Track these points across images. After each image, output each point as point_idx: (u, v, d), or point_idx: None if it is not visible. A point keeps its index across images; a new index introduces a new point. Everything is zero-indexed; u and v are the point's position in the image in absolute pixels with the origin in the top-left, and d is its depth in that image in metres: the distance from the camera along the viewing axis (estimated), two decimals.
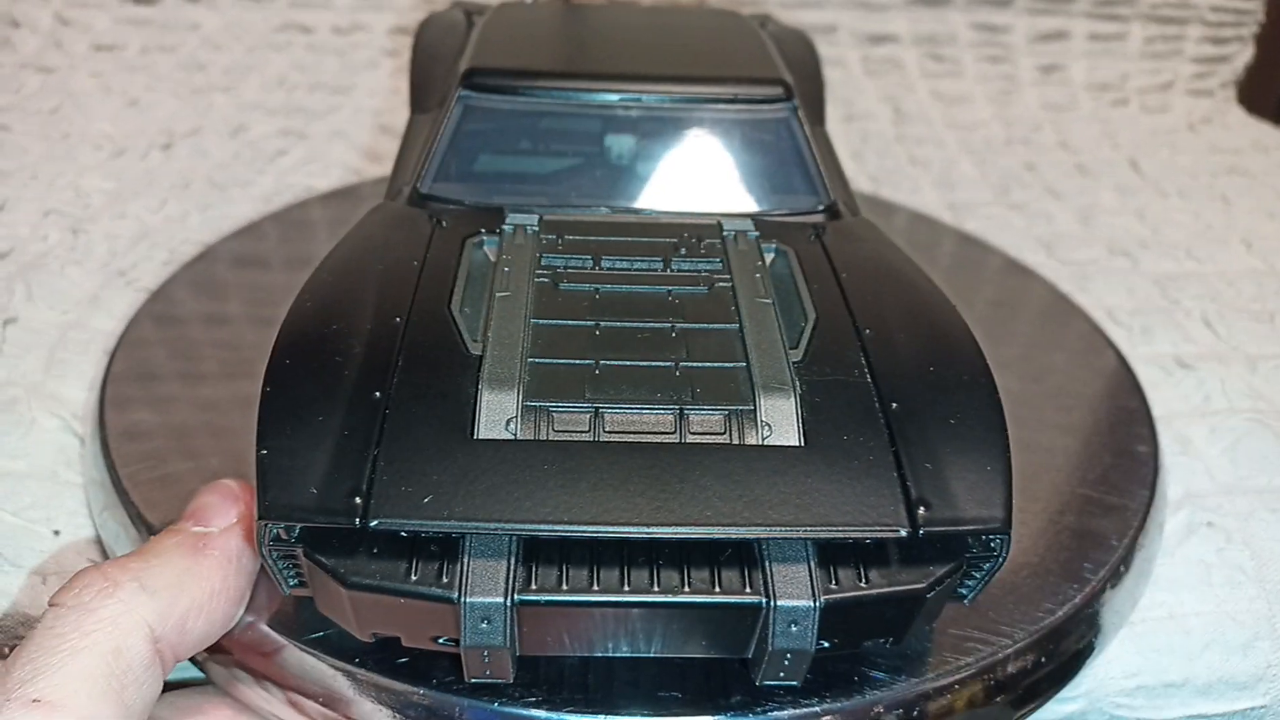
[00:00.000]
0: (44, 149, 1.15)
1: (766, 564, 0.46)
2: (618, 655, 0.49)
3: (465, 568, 0.45)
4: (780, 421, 0.49)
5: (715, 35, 0.82)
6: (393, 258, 0.59)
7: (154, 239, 0.98)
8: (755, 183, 0.70)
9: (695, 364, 0.52)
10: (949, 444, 0.48)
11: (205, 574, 0.49)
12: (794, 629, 0.45)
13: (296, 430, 0.47)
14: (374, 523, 0.44)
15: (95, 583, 0.46)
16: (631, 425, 0.49)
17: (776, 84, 0.71)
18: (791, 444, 0.48)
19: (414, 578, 0.46)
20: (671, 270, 0.60)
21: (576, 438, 0.48)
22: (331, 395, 0.49)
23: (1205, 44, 1.57)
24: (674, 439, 0.49)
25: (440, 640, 0.48)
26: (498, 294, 0.56)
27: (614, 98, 0.69)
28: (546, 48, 0.77)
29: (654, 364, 0.52)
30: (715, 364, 0.52)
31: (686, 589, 0.46)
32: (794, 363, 0.52)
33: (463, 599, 0.45)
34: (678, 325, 0.55)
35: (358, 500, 0.45)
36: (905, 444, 0.48)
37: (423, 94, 0.82)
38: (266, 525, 0.46)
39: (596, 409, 0.49)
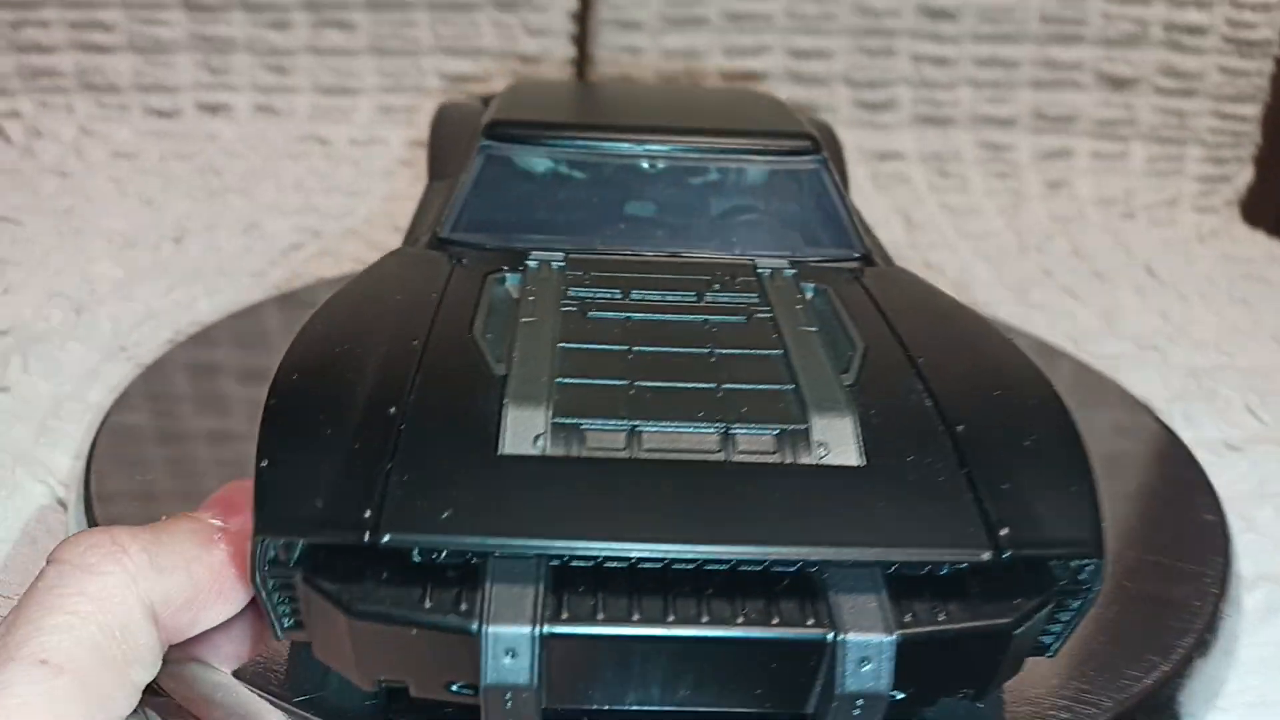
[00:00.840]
0: (54, 241, 1.14)
1: (830, 594, 0.40)
2: (656, 708, 0.42)
3: (487, 594, 0.39)
4: (837, 440, 0.44)
5: (740, 102, 0.82)
6: (410, 290, 0.56)
7: (159, 320, 0.96)
8: (788, 233, 0.68)
9: (739, 385, 0.47)
10: (1026, 464, 0.43)
11: (214, 565, 0.45)
12: (866, 668, 0.39)
13: (302, 443, 0.43)
14: (385, 539, 0.39)
15: (102, 544, 0.42)
16: (672, 444, 0.44)
17: (806, 138, 0.70)
18: (851, 463, 0.43)
19: (428, 605, 0.39)
20: (706, 301, 0.56)
21: (612, 455, 0.43)
22: (341, 409, 0.44)
23: (1206, 164, 1.60)
24: (720, 458, 0.43)
25: (455, 688, 0.41)
26: (522, 319, 0.53)
27: (641, 149, 0.68)
28: (570, 107, 0.77)
29: (694, 385, 0.47)
30: (761, 385, 0.48)
31: (739, 621, 0.39)
32: (846, 385, 0.48)
33: (484, 628, 0.38)
34: (716, 351, 0.51)
35: (368, 514, 0.39)
36: (977, 465, 0.43)
37: (440, 164, 0.82)
38: (263, 543, 0.40)
39: (633, 427, 0.44)
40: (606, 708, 0.42)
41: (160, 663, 0.44)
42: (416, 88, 1.55)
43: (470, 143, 0.71)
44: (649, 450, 0.43)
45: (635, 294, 0.57)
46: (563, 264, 0.60)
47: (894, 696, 0.40)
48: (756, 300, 0.57)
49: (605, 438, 0.44)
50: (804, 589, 0.41)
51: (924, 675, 0.41)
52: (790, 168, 0.69)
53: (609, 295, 0.56)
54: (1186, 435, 0.88)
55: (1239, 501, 0.79)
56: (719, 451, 0.44)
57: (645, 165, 0.69)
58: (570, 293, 0.56)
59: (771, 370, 0.49)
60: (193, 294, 1.02)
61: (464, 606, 0.39)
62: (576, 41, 1.59)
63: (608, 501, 0.40)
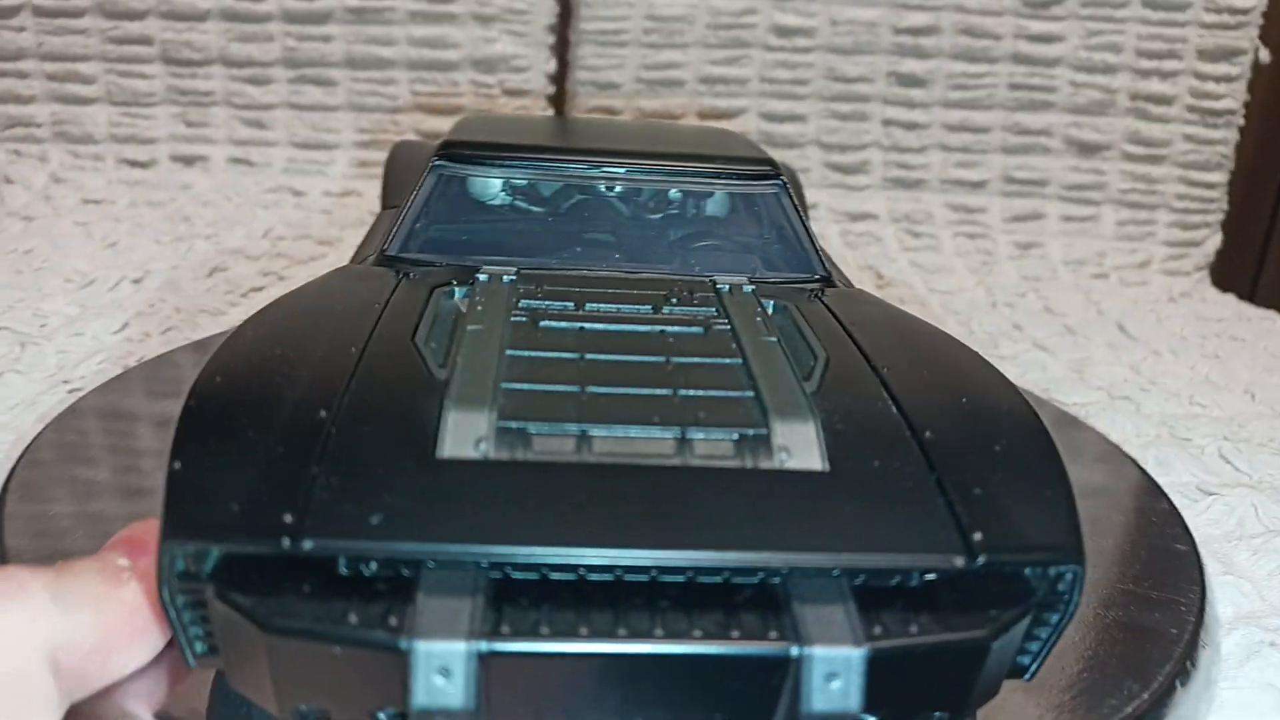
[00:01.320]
0: (11, 279, 1.12)
1: (795, 606, 0.37)
2: None
3: (419, 606, 0.36)
4: (800, 445, 0.41)
5: (699, 133, 0.82)
6: (351, 300, 0.54)
7: (108, 354, 0.93)
8: (747, 256, 0.67)
9: (696, 392, 0.45)
10: (998, 469, 0.41)
11: (124, 605, 0.40)
12: (834, 685, 0.36)
13: (220, 445, 0.39)
14: (307, 545, 0.36)
15: None
16: (625, 449, 0.41)
17: (765, 163, 0.70)
18: (815, 468, 0.40)
19: (352, 619, 0.36)
20: (663, 314, 0.54)
21: (559, 460, 0.40)
22: (267, 411, 0.41)
23: (1175, 229, 1.62)
24: (676, 463, 0.41)
25: (383, 716, 0.37)
26: (469, 327, 0.50)
27: (596, 170, 0.67)
28: (525, 133, 0.76)
29: (649, 391, 0.45)
30: (719, 391, 0.45)
31: (696, 636, 0.36)
32: (808, 393, 0.46)
33: (414, 643, 0.35)
34: (673, 360, 0.48)
35: (289, 519, 0.36)
36: (946, 470, 0.40)
37: (392, 195, 0.81)
38: (172, 551, 0.37)
39: (583, 430, 0.41)
40: None
41: (62, 716, 0.39)
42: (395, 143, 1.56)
43: (423, 169, 0.70)
44: (599, 455, 0.41)
45: (589, 306, 0.54)
46: (514, 278, 0.58)
47: (864, 719, 0.37)
48: (714, 313, 0.55)
49: (553, 442, 0.41)
50: (766, 601, 0.38)
51: (896, 693, 0.37)
52: (750, 191, 0.68)
53: (562, 307, 0.54)
54: (1161, 480, 0.86)
55: (1216, 543, 0.76)
56: (674, 456, 0.41)
57: (601, 188, 0.68)
58: (521, 304, 0.54)
59: (730, 377, 0.47)
60: (145, 330, 0.99)
61: (392, 621, 0.36)
62: (554, 102, 1.61)
63: (553, 507, 0.37)
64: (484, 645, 0.35)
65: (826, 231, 1.56)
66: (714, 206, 0.69)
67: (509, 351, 0.48)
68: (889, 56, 1.57)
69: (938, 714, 0.39)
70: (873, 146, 1.60)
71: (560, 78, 1.59)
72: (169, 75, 1.51)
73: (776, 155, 1.61)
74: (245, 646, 0.37)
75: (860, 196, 1.60)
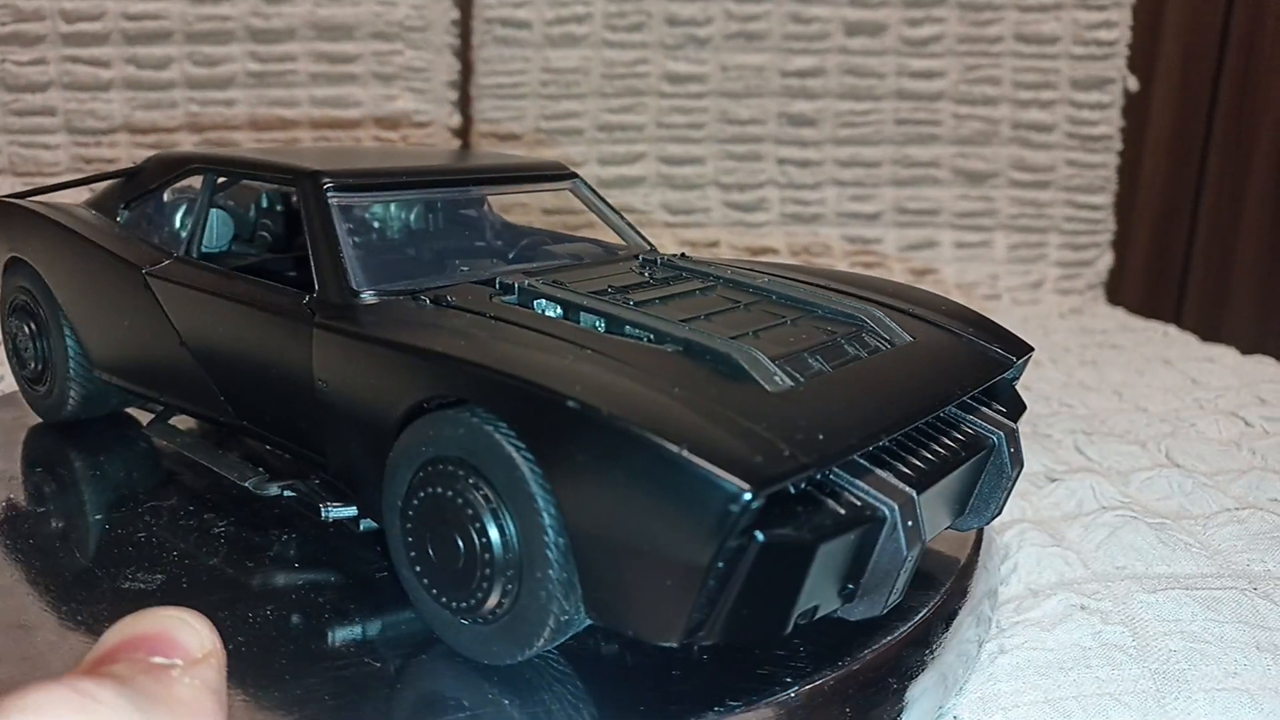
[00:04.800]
0: None
1: (972, 418, 0.59)
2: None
3: (869, 487, 0.47)
4: (894, 330, 0.60)
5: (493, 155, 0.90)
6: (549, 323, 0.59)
7: None
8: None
9: (796, 318, 0.60)
10: (968, 320, 0.65)
11: (191, 703, 0.36)
12: (1011, 449, 0.59)
13: (688, 421, 0.45)
14: (815, 467, 0.44)
15: (61, 697, 0.32)
16: (840, 358, 0.55)
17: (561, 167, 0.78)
18: (908, 340, 0.60)
19: (842, 514, 0.46)
20: (662, 282, 0.66)
21: (821, 372, 0.53)
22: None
23: (1066, 250, 1.67)
24: (863, 354, 0.57)
25: (847, 588, 0.48)
26: (630, 311, 0.57)
27: (457, 189, 0.72)
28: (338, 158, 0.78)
29: (778, 324, 0.59)
30: (810, 315, 0.61)
31: (963, 456, 0.55)
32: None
33: (893, 507, 0.47)
34: (746, 306, 0.62)
35: (787, 452, 0.44)
36: (951, 325, 0.64)
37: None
38: (747, 505, 0.41)
39: (799, 354, 0.54)
40: None
41: None
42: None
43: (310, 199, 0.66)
44: (833, 365, 0.54)
45: (621, 290, 0.63)
46: (528, 285, 0.61)
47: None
48: (692, 276, 0.68)
49: (811, 364, 0.53)
50: (953, 422, 0.58)
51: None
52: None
53: (626, 290, 0.63)
54: None
55: (1052, 523, 0.78)
56: (861, 352, 0.57)
57: (445, 199, 0.74)
58: (608, 293, 0.61)
59: (796, 307, 0.62)
60: None
61: (858, 504, 0.47)
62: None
63: (861, 404, 0.50)
64: (916, 493, 0.49)
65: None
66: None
67: (682, 320, 0.56)
68: (779, 99, 1.63)
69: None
70: (769, 185, 1.66)
71: (464, 131, 1.64)
72: (73, 145, 1.53)
73: (675, 196, 1.66)
74: (777, 577, 0.44)
75: (760, 232, 1.65)
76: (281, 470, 0.68)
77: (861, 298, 0.65)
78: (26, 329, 0.84)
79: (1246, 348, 1.32)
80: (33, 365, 0.84)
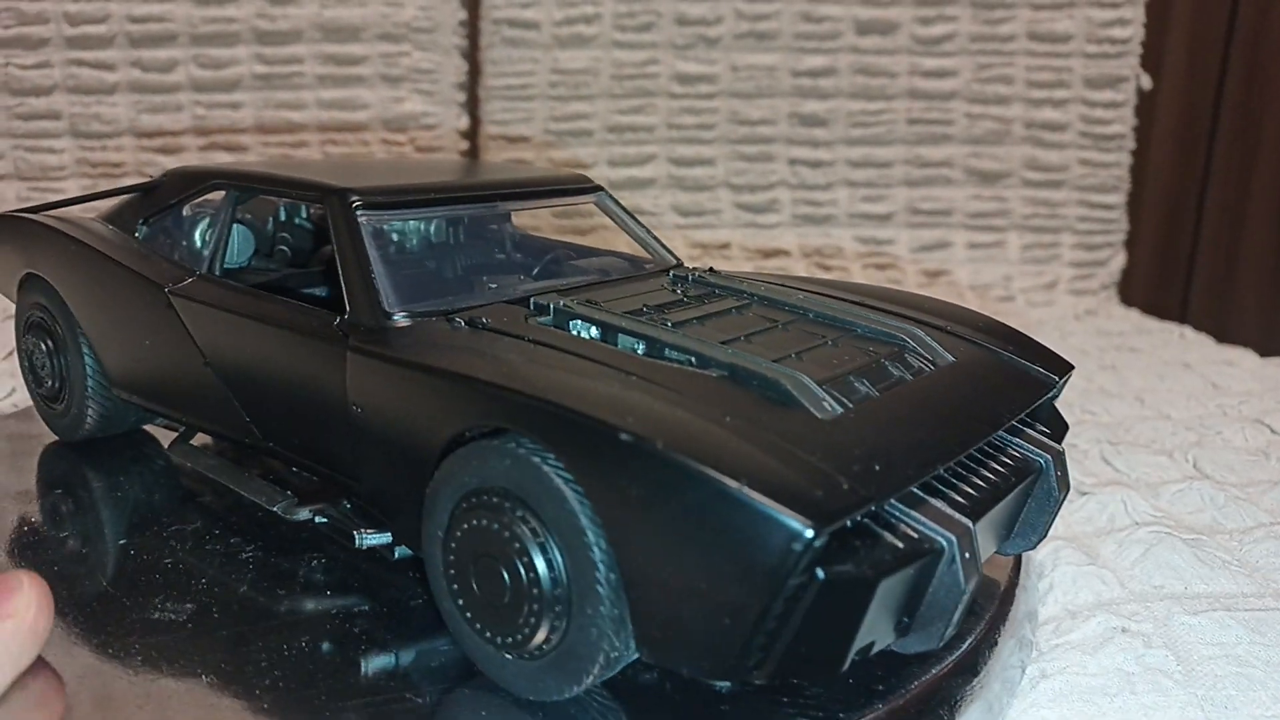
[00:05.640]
0: None
1: (1018, 442, 0.58)
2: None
3: (925, 519, 0.46)
4: (936, 351, 0.60)
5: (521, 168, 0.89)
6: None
7: None
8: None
9: (836, 339, 0.60)
10: (1005, 336, 0.65)
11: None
12: (1058, 471, 0.59)
13: (744, 454, 0.44)
14: (872, 501, 0.43)
15: None
16: (887, 382, 0.55)
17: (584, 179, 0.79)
18: (951, 360, 0.59)
19: (900, 547, 0.45)
20: (700, 300, 0.66)
21: (869, 396, 0.52)
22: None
23: (1080, 250, 1.66)
24: (910, 377, 0.57)
25: (903, 622, 0.47)
26: (673, 335, 0.56)
27: (484, 206, 0.72)
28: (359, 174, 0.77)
29: (816, 347, 0.58)
30: (849, 335, 0.61)
31: (1013, 481, 0.54)
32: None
33: (951, 539, 0.46)
34: (784, 325, 0.61)
35: (846, 486, 0.43)
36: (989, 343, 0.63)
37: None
38: (814, 540, 0.40)
39: (847, 376, 0.54)
40: None
41: None
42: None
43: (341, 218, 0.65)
44: (879, 391, 0.53)
45: (656, 309, 0.62)
46: (563, 305, 0.60)
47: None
48: (724, 293, 0.67)
49: (857, 389, 0.53)
50: (1000, 448, 0.57)
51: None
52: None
53: (650, 311, 0.61)
54: None
55: (1086, 539, 0.77)
56: (905, 373, 0.57)
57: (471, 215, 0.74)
58: (644, 314, 0.61)
59: (834, 327, 0.62)
60: None
61: (915, 537, 0.46)
62: (466, 156, 1.63)
63: (914, 431, 0.50)
64: (972, 523, 0.48)
65: (742, 269, 1.59)
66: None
67: (722, 342, 0.56)
68: (790, 99, 1.62)
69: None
70: (780, 186, 1.64)
71: (472, 133, 1.62)
72: (79, 149, 1.52)
73: (686, 198, 1.65)
74: (839, 610, 0.43)
75: (771, 234, 1.63)
76: (308, 492, 0.67)
77: (899, 315, 0.64)
78: (43, 346, 0.82)
79: (1251, 341, 1.32)
80: (50, 383, 0.82)
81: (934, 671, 0.54)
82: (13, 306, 0.87)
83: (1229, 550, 0.74)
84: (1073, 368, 0.64)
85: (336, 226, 0.63)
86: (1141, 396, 1.13)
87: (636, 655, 0.47)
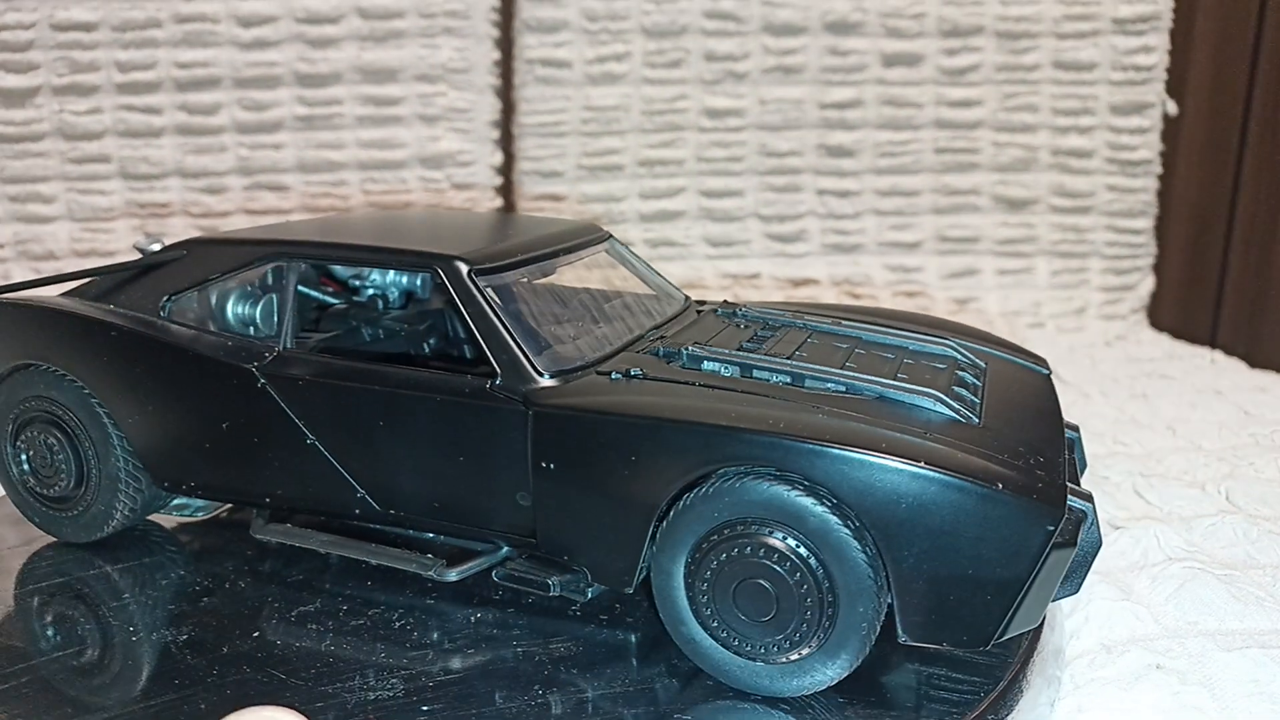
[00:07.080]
0: None
1: None
2: None
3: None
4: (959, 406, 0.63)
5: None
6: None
7: None
8: None
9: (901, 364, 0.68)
10: (996, 341, 0.77)
11: None
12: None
13: (976, 463, 0.56)
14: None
15: None
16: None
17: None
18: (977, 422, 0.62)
19: (1071, 519, 0.56)
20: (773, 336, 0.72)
21: (975, 404, 0.63)
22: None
23: (1109, 275, 1.67)
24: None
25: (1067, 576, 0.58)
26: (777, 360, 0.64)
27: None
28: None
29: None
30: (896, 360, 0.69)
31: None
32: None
33: (1090, 503, 0.58)
34: (856, 352, 0.69)
35: (1048, 476, 0.56)
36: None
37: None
38: (1062, 521, 0.55)
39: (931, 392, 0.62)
40: None
41: None
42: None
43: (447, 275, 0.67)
44: (977, 400, 0.64)
45: (751, 344, 0.69)
46: (692, 349, 0.67)
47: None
48: (774, 324, 0.75)
49: (965, 398, 0.63)
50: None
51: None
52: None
53: (750, 346, 0.68)
54: None
55: (1119, 574, 0.79)
56: (975, 381, 0.66)
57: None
58: (746, 352, 0.67)
59: (886, 347, 0.71)
60: None
61: (1077, 508, 0.57)
62: (500, 192, 1.67)
63: (1030, 428, 0.61)
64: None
65: (772, 298, 1.61)
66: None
67: (788, 359, 0.65)
68: (817, 130, 1.64)
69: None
70: (809, 215, 1.67)
71: (506, 169, 1.66)
72: (128, 190, 1.57)
73: (716, 229, 1.67)
74: (1055, 571, 0.55)
75: (801, 263, 1.66)
76: (451, 555, 0.68)
77: (923, 332, 0.73)
78: (52, 444, 0.75)
79: None
80: (63, 483, 0.76)
81: (972, 714, 0.56)
82: None
83: (1262, 586, 0.75)
84: (1045, 360, 0.77)
85: (459, 294, 0.65)
86: (1173, 426, 1.14)
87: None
